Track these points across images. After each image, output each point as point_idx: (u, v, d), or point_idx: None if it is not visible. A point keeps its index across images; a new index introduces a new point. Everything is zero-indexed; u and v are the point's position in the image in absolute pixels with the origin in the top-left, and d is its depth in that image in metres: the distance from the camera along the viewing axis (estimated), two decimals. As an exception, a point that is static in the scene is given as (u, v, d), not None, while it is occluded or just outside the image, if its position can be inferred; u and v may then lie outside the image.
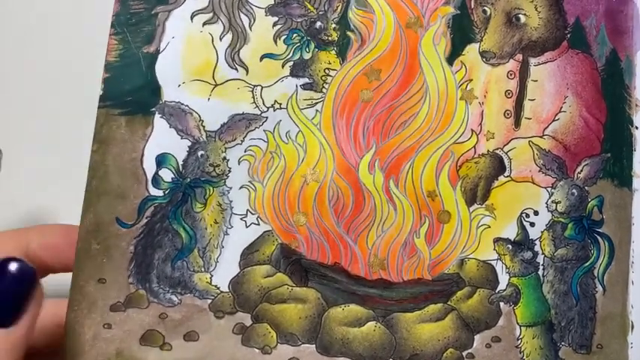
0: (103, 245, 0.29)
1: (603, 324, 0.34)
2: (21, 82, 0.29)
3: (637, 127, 0.35)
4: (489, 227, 0.34)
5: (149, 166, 0.30)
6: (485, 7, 0.35)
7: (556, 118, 0.35)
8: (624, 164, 0.35)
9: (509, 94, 0.35)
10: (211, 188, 0.30)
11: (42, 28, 0.29)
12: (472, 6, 0.35)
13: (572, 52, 0.36)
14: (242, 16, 0.32)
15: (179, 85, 0.30)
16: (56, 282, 0.28)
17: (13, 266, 0.24)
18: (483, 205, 0.34)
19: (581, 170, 0.35)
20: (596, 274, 0.34)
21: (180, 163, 0.30)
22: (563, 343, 0.33)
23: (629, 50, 0.36)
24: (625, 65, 0.36)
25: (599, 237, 0.34)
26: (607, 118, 0.35)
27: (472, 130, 0.34)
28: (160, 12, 0.31)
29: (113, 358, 0.29)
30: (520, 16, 0.35)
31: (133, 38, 0.30)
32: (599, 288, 0.34)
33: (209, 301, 0.30)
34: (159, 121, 0.30)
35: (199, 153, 0.30)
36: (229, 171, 0.31)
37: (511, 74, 0.35)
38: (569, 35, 0.36)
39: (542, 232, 0.34)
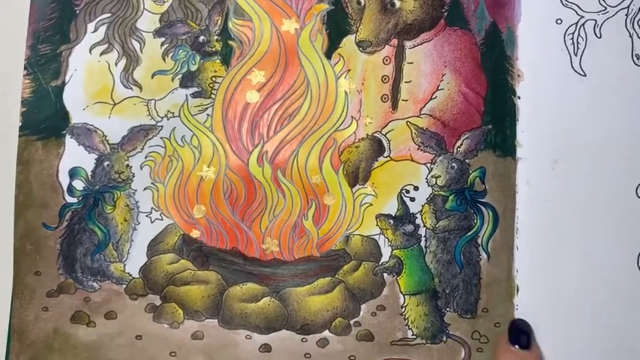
0: (35, 245, 0.35)
1: (488, 289, 0.35)
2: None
3: (519, 97, 0.36)
4: (371, 205, 0.36)
5: (64, 179, 0.36)
6: (360, -1, 0.37)
7: (433, 96, 0.36)
8: (507, 134, 0.36)
9: (385, 79, 0.37)
10: (118, 192, 0.36)
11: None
12: None
13: (449, 30, 0.37)
14: (133, 41, 0.36)
15: (84, 109, 0.36)
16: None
17: None
18: (365, 185, 0.36)
19: (461, 144, 0.36)
20: (480, 242, 0.36)
21: (90, 173, 0.36)
22: (448, 309, 0.35)
23: (510, 21, 0.36)
24: (506, 36, 0.36)
25: (482, 207, 0.36)
26: (487, 90, 0.36)
27: (352, 117, 0.37)
28: (64, 50, 0.36)
29: (51, 334, 0.35)
30: (395, 1, 0.37)
31: (42, 75, 0.36)
32: (484, 255, 0.35)
33: (124, 286, 0.36)
34: (69, 141, 0.36)
35: (105, 163, 0.36)
36: (133, 176, 0.36)
37: (387, 60, 0.37)
38: (446, 14, 0.37)
39: (422, 205, 0.36)
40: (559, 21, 0.36)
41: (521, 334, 0.33)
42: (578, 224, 0.35)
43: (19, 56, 0.36)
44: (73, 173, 0.36)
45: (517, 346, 0.33)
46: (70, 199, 0.36)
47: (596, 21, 0.36)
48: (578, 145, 0.36)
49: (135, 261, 0.36)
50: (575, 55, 0.36)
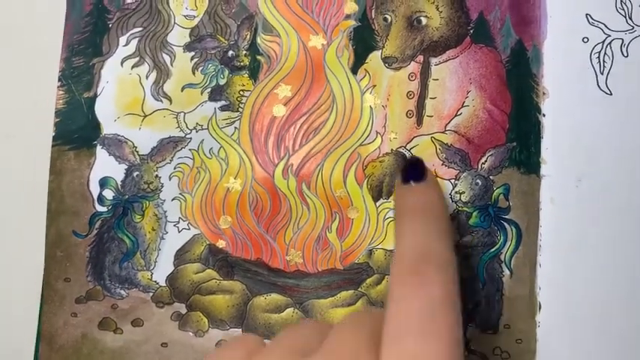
0: (65, 253, 0.36)
1: (510, 305, 0.35)
2: None
3: (544, 115, 0.36)
4: (395, 220, 0.36)
5: (94, 188, 0.36)
6: (386, 15, 0.37)
7: (458, 113, 0.36)
8: (531, 152, 0.36)
9: (410, 95, 0.37)
10: (147, 202, 0.37)
11: None
12: (373, 16, 0.37)
13: (475, 47, 0.37)
14: (164, 55, 0.37)
15: (115, 120, 0.37)
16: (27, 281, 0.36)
17: None
18: (389, 200, 0.36)
19: (486, 161, 0.36)
20: (503, 259, 0.36)
21: (120, 183, 0.37)
22: (469, 325, 0.35)
23: (536, 39, 0.36)
24: (532, 54, 0.36)
25: (505, 223, 0.36)
26: (512, 108, 0.36)
27: (377, 132, 0.37)
28: (97, 62, 0.37)
29: (79, 339, 0.36)
30: (421, 18, 0.37)
31: (75, 87, 0.37)
32: (506, 272, 0.36)
33: (151, 294, 0.36)
34: (100, 152, 0.37)
35: (135, 174, 0.36)
36: (162, 186, 0.37)
37: (412, 76, 0.37)
38: (471, 31, 0.37)
39: (446, 221, 0.36)
40: (585, 39, 0.36)
41: (412, 168, 0.32)
42: (601, 242, 0.35)
43: (54, 68, 0.37)
44: (104, 183, 0.37)
45: (412, 182, 0.31)
46: (100, 208, 0.37)
47: (622, 40, 0.36)
48: (603, 163, 0.36)
49: (162, 270, 0.37)
50: (602, 73, 0.36)
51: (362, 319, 0.26)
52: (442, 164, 0.37)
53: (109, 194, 0.37)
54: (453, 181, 0.37)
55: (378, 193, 0.37)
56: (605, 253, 0.35)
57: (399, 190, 0.32)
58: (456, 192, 0.36)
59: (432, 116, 0.37)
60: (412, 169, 0.32)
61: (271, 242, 0.37)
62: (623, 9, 0.36)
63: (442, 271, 0.25)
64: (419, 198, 0.30)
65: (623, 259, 0.35)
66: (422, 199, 0.30)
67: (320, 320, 0.36)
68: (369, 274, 0.37)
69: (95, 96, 0.37)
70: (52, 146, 0.37)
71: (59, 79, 0.37)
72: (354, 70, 0.38)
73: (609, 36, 0.36)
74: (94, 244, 0.37)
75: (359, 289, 0.37)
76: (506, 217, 0.36)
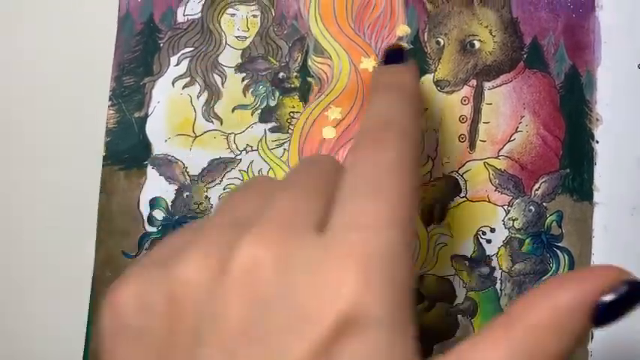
0: (115, 273, 0.36)
1: (563, 333, 0.35)
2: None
3: (598, 142, 0.35)
4: (446, 245, 0.36)
5: (145, 209, 0.36)
6: (439, 38, 0.37)
7: (512, 138, 0.36)
8: (584, 178, 0.35)
9: (463, 119, 0.36)
10: (196, 223, 0.36)
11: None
12: (425, 39, 0.37)
13: (529, 72, 0.37)
14: (215, 76, 0.37)
15: (165, 141, 0.36)
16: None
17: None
18: (441, 225, 0.36)
19: (539, 187, 0.36)
20: (555, 286, 0.35)
21: (170, 203, 0.36)
22: (521, 352, 0.35)
23: (590, 65, 0.36)
24: (585, 80, 0.36)
25: (558, 251, 0.35)
26: (566, 134, 0.36)
27: (428, 156, 0.36)
28: (147, 82, 0.37)
29: None
30: (475, 42, 0.37)
31: (126, 107, 0.36)
32: (559, 299, 0.35)
33: (199, 315, 0.36)
34: (151, 172, 0.36)
35: (185, 194, 0.36)
36: (211, 207, 0.36)
37: (465, 100, 0.37)
38: (525, 56, 0.36)
39: (499, 248, 0.36)
40: (640, 66, 0.36)
41: (393, 52, 0.32)
42: (656, 272, 0.35)
43: (105, 87, 0.37)
44: (154, 203, 0.37)
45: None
46: (149, 229, 0.37)
47: (679, 67, 0.36)
48: (658, 192, 0.35)
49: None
50: (657, 101, 0.36)
51: (310, 175, 0.25)
52: (495, 190, 0.36)
53: (159, 215, 0.37)
54: (506, 207, 0.36)
55: (429, 217, 0.37)
56: (660, 282, 0.35)
57: (376, 69, 0.33)
58: (509, 218, 0.36)
59: (485, 141, 0.37)
60: (393, 53, 0.32)
61: (320, 265, 0.37)
62: (680, 36, 0.36)
63: (401, 138, 0.25)
64: (394, 76, 0.30)
65: (678, 289, 0.35)
66: (397, 77, 0.30)
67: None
68: (420, 300, 0.36)
69: (146, 116, 0.37)
70: (103, 166, 0.37)
71: (110, 99, 0.37)
72: (406, 93, 0.37)
73: (665, 63, 0.36)
74: (142, 265, 0.37)
75: (409, 315, 0.36)
76: (558, 244, 0.36)
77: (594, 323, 0.21)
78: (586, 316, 0.20)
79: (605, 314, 0.21)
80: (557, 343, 0.20)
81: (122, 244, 0.37)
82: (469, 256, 0.36)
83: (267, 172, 0.38)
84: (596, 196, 0.36)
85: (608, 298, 0.20)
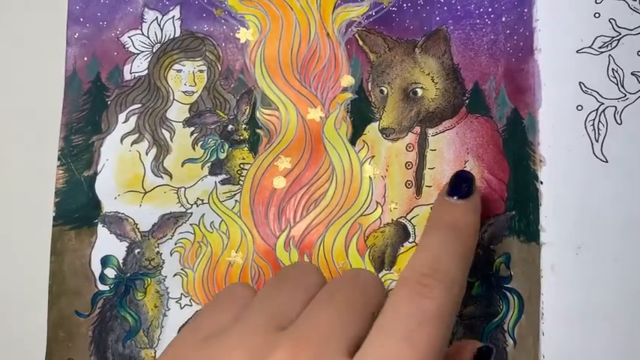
0: (68, 333, 0.35)
1: (516, 375, 0.35)
2: None
3: (542, 182, 0.35)
4: (398, 291, 0.35)
5: (96, 267, 0.36)
6: (382, 87, 0.37)
7: (457, 183, 0.36)
8: (530, 220, 0.35)
9: (409, 165, 0.36)
10: (149, 279, 0.36)
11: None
12: (369, 88, 0.37)
13: (471, 117, 0.37)
14: (164, 131, 0.37)
15: (115, 198, 0.36)
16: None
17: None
18: (391, 271, 0.36)
19: (486, 230, 0.36)
20: (506, 328, 0.35)
21: (121, 261, 0.36)
22: (476, 396, 0.34)
23: (531, 107, 0.36)
24: (527, 122, 0.36)
25: (507, 292, 0.35)
26: (510, 176, 0.36)
27: (377, 202, 0.36)
28: (96, 140, 0.36)
29: (83, 423, 0.35)
30: (417, 90, 0.37)
31: (75, 166, 0.36)
32: (510, 341, 0.35)
33: (154, 372, 0.35)
34: (101, 230, 0.36)
35: (136, 251, 0.36)
36: (163, 262, 0.36)
37: (410, 147, 0.37)
38: (467, 101, 0.37)
39: (449, 292, 0.35)
40: (579, 107, 0.36)
41: (462, 182, 0.31)
42: (604, 310, 0.35)
43: (53, 148, 0.36)
44: (105, 261, 0.36)
45: (455, 197, 0.31)
46: (102, 287, 0.36)
47: (616, 107, 0.36)
48: (602, 230, 0.35)
49: (165, 347, 0.36)
50: (597, 141, 0.36)
51: (350, 292, 0.28)
52: (443, 234, 0.36)
53: (110, 273, 0.36)
54: (454, 251, 0.36)
55: (380, 263, 0.37)
56: (608, 321, 0.35)
57: (439, 200, 0.32)
58: (457, 262, 0.36)
59: (430, 186, 0.37)
60: (459, 185, 0.31)
61: (274, 315, 0.37)
62: (615, 77, 0.36)
63: (445, 289, 0.27)
64: (455, 216, 0.30)
65: (627, 326, 0.35)
66: (457, 218, 0.30)
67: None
68: (374, 346, 0.36)
69: (95, 174, 0.37)
70: (53, 226, 0.36)
71: (59, 159, 0.37)
72: (353, 142, 0.37)
73: (602, 104, 0.36)
74: (96, 324, 0.36)
75: None
76: (507, 285, 0.36)
77: None
78: None
79: None
80: None
81: (75, 303, 0.36)
82: (420, 301, 0.36)
83: (219, 224, 0.37)
84: (543, 237, 0.36)
85: None
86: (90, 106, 0.38)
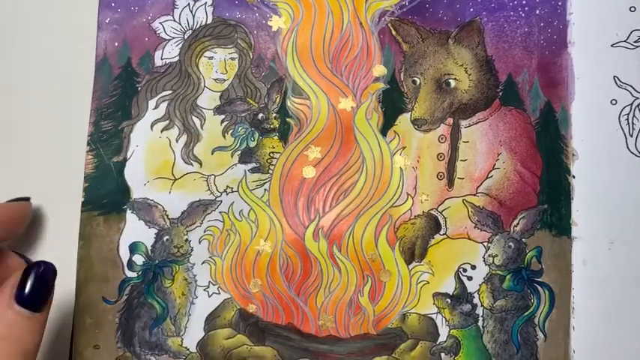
0: (95, 319, 0.35)
1: (546, 370, 0.34)
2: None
3: (574, 176, 0.35)
4: (428, 283, 0.35)
5: (124, 254, 0.35)
6: (415, 78, 0.36)
7: (489, 175, 0.36)
8: (562, 214, 0.35)
9: (441, 157, 0.36)
10: (177, 266, 0.35)
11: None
12: (402, 78, 0.37)
13: (504, 110, 0.36)
14: (194, 118, 0.36)
15: (144, 184, 0.35)
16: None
17: (43, 266, 0.30)
18: (422, 263, 0.35)
19: (518, 223, 0.35)
20: (536, 322, 0.35)
21: (150, 248, 0.35)
22: (505, 389, 0.34)
23: (564, 101, 0.36)
24: (560, 116, 0.36)
25: (539, 286, 0.35)
26: (543, 170, 0.35)
27: (407, 194, 0.36)
28: (126, 126, 0.36)
29: (109, 409, 0.34)
30: (450, 81, 0.36)
31: (104, 151, 0.36)
32: (540, 335, 0.34)
33: (181, 360, 0.35)
34: (130, 216, 0.35)
35: (165, 238, 0.35)
36: (192, 250, 0.35)
37: (442, 138, 0.36)
38: (500, 93, 0.36)
39: (480, 285, 0.35)
40: (614, 101, 0.36)
41: (36, 290, 0.30)
42: (634, 305, 0.34)
43: (83, 133, 0.36)
44: (134, 248, 0.36)
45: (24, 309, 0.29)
46: (129, 274, 0.35)
47: (650, 102, 0.35)
48: (635, 225, 0.35)
49: (192, 335, 0.35)
50: (631, 135, 0.35)
51: None
52: (474, 227, 0.36)
53: (138, 259, 0.36)
54: (485, 244, 0.36)
55: (410, 255, 0.36)
56: (639, 315, 0.34)
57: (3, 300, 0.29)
58: (489, 255, 0.35)
59: (463, 178, 0.36)
60: (35, 294, 0.29)
61: (302, 306, 0.36)
62: (650, 72, 0.36)
63: None
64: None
65: (658, 322, 0.34)
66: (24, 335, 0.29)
67: None
68: (403, 339, 0.36)
69: (125, 160, 0.36)
70: (82, 212, 0.36)
71: (88, 144, 0.36)
72: (384, 132, 0.37)
73: (637, 98, 0.36)
74: (123, 310, 0.36)
75: (392, 355, 0.35)
76: (539, 279, 0.35)
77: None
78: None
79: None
80: None
81: (102, 290, 0.36)
82: (451, 293, 0.35)
83: (248, 213, 0.37)
84: (574, 231, 0.35)
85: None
86: (120, 91, 0.37)
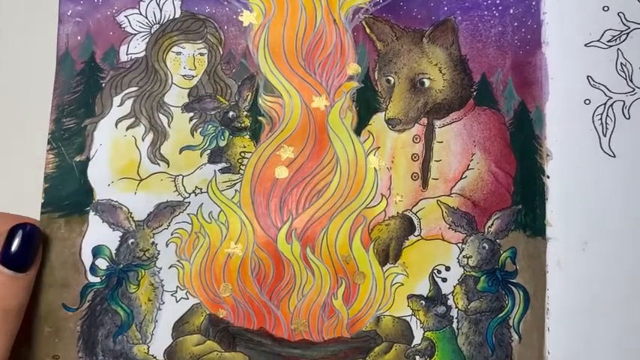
0: (54, 328, 0.33)
1: (521, 372, 0.34)
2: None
3: (549, 177, 0.34)
4: (403, 285, 0.35)
5: (87, 258, 0.33)
6: (389, 77, 0.36)
7: (464, 176, 0.35)
8: (537, 214, 0.34)
9: (415, 157, 0.35)
10: (143, 270, 0.34)
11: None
12: (376, 77, 0.36)
13: (478, 110, 0.36)
14: (161, 116, 0.34)
15: (109, 185, 0.34)
16: None
17: (28, 227, 0.30)
18: (396, 264, 0.34)
19: (492, 224, 0.35)
20: (511, 324, 0.34)
21: (114, 251, 0.34)
22: (480, 392, 0.33)
23: (538, 101, 0.35)
24: (535, 116, 0.35)
25: (513, 287, 0.34)
26: (517, 170, 0.35)
27: (382, 195, 0.35)
28: (89, 124, 0.34)
29: (70, 422, 0.32)
30: (424, 80, 0.35)
31: (66, 150, 0.34)
32: (515, 337, 0.34)
33: (148, 369, 0.33)
34: (93, 218, 0.33)
35: (130, 241, 0.33)
36: (158, 253, 0.34)
37: (416, 138, 0.35)
38: (475, 93, 0.35)
39: (454, 286, 0.34)
40: (587, 101, 0.35)
41: (23, 250, 0.30)
42: (609, 307, 0.34)
43: (43, 130, 0.34)
44: (97, 252, 0.34)
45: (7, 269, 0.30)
46: (92, 279, 0.34)
47: (624, 102, 0.35)
48: (609, 226, 0.35)
49: (159, 342, 0.34)
50: (604, 135, 0.35)
51: None
52: (449, 228, 0.35)
53: (102, 264, 0.34)
54: (460, 245, 0.35)
55: (384, 257, 0.35)
56: (613, 317, 0.34)
57: None
58: (463, 256, 0.35)
59: (437, 179, 0.35)
60: (18, 255, 0.30)
61: (275, 310, 0.35)
62: (624, 71, 0.36)
63: None
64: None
65: (631, 323, 0.34)
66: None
67: None
68: (377, 342, 0.35)
69: (87, 159, 0.34)
70: (41, 213, 0.34)
71: (49, 142, 0.34)
72: (358, 132, 0.36)
73: (611, 98, 0.35)
74: (85, 318, 0.34)
75: (367, 359, 0.34)
76: (513, 281, 0.35)
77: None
78: None
79: None
80: None
81: (62, 296, 0.34)
82: (425, 295, 0.35)
83: (218, 215, 0.35)
84: (549, 232, 0.35)
85: None
86: (83, 87, 0.35)
